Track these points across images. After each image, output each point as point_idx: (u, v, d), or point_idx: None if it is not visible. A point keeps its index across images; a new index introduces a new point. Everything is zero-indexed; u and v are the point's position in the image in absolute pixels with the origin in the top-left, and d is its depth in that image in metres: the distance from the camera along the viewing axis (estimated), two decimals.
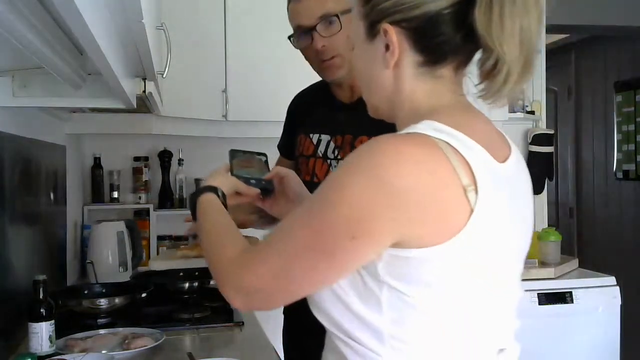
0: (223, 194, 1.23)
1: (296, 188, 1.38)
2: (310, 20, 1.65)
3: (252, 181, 1.34)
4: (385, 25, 0.94)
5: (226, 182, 1.28)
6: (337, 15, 1.62)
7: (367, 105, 1.07)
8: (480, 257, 0.89)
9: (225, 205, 1.21)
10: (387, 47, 0.95)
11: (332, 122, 1.78)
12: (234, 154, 1.41)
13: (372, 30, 0.96)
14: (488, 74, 0.91)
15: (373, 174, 0.85)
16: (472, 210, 0.86)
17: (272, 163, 2.07)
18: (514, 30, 0.88)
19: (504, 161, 0.96)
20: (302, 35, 1.67)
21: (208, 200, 1.19)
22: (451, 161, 0.86)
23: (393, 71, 0.97)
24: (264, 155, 1.45)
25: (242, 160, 1.40)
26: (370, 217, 0.84)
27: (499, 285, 0.95)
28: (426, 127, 0.89)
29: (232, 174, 1.34)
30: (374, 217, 0.84)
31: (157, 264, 1.75)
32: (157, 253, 3.04)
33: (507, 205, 0.93)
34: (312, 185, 1.81)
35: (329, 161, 1.76)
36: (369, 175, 0.85)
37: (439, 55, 0.95)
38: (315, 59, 1.69)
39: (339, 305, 0.93)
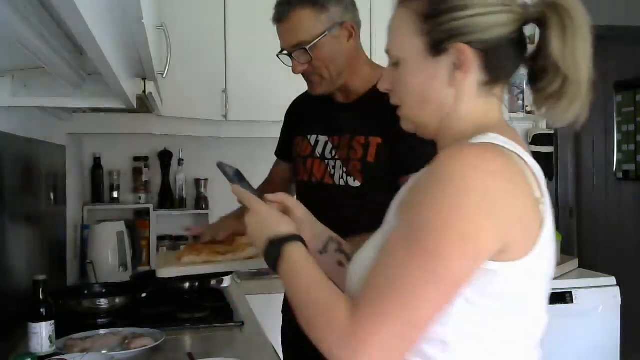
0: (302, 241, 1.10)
1: (303, 216, 1.25)
2: (287, 46, 1.71)
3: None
4: (461, 45, 0.95)
5: (293, 226, 1.12)
6: (305, 48, 1.65)
7: (406, 119, 1.04)
8: (545, 268, 0.92)
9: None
10: (456, 66, 0.96)
11: (329, 123, 1.79)
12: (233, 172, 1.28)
13: (438, 48, 0.97)
14: (552, 96, 0.95)
15: (471, 187, 0.84)
16: (542, 222, 0.89)
17: (268, 167, 2.08)
18: (585, 53, 0.93)
19: None
20: (286, 57, 1.73)
21: (298, 251, 1.05)
22: (525, 172, 0.89)
23: (454, 89, 0.98)
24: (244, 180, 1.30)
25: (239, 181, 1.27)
26: (480, 230, 0.84)
27: (546, 294, 0.97)
28: (495, 139, 0.92)
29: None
30: (482, 230, 0.84)
31: (166, 272, 1.70)
32: (157, 253, 3.04)
33: None
34: (309, 186, 1.82)
35: (326, 161, 1.77)
36: (465, 189, 0.84)
37: (501, 75, 0.99)
38: (302, 74, 1.75)
39: None
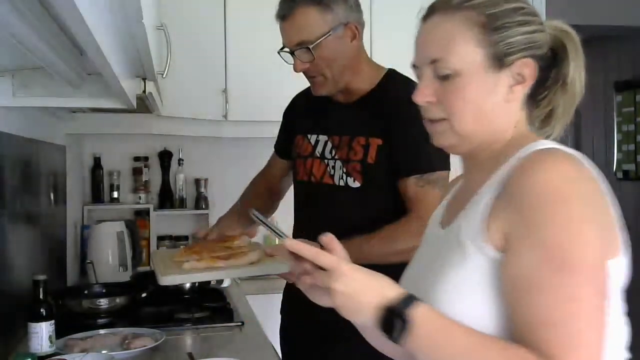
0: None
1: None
2: (290, 44, 1.69)
3: None
4: (529, 60, 0.96)
5: (392, 282, 0.95)
6: (309, 48, 1.64)
7: (450, 133, 0.99)
8: (624, 266, 0.94)
9: None
10: (517, 80, 0.97)
11: (329, 123, 1.78)
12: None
13: (502, 61, 0.96)
14: (549, 111, 1.03)
15: (575, 195, 0.87)
16: (615, 217, 0.93)
17: (265, 160, 2.08)
18: (583, 76, 1.03)
19: None
20: (287, 54, 1.71)
21: (428, 313, 0.89)
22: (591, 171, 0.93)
23: (508, 102, 0.98)
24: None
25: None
26: (602, 231, 0.88)
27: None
28: (553, 144, 0.96)
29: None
30: (603, 231, 0.88)
31: (169, 279, 1.67)
32: (152, 252, 3.04)
33: None
34: (309, 186, 1.82)
35: (326, 161, 1.76)
36: (573, 198, 0.87)
37: (538, 89, 1.02)
38: (304, 74, 1.73)
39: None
